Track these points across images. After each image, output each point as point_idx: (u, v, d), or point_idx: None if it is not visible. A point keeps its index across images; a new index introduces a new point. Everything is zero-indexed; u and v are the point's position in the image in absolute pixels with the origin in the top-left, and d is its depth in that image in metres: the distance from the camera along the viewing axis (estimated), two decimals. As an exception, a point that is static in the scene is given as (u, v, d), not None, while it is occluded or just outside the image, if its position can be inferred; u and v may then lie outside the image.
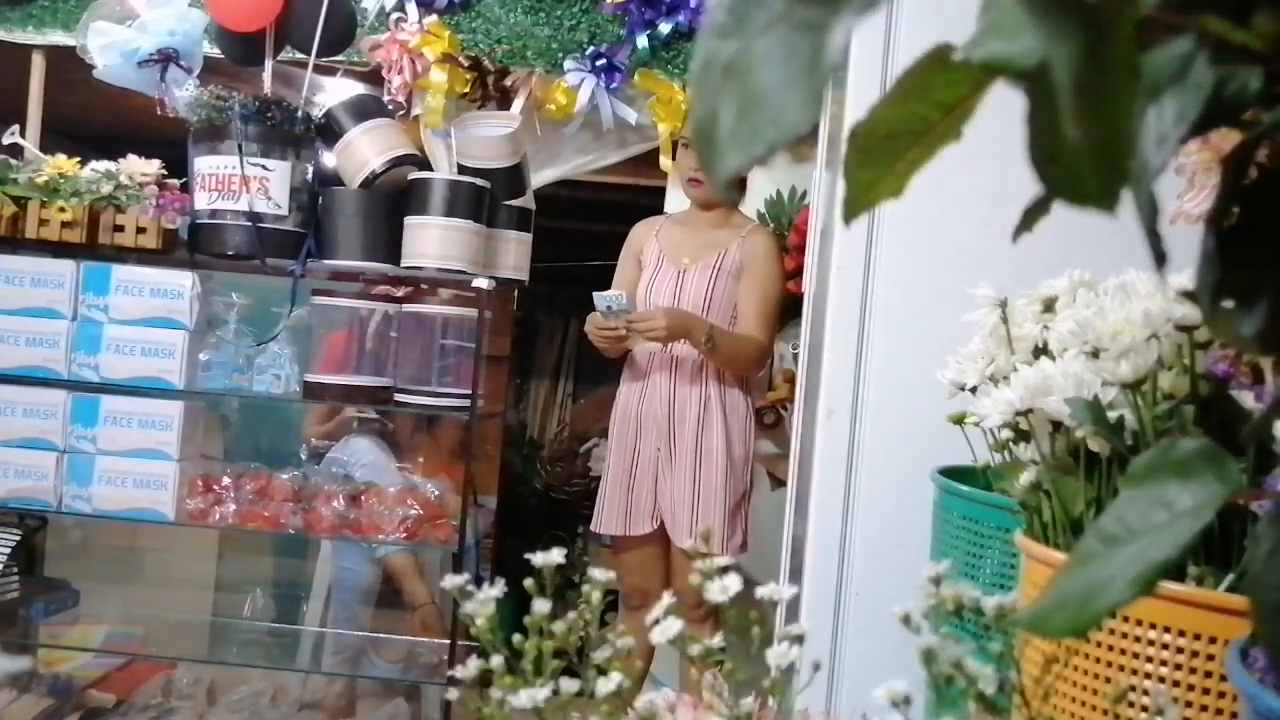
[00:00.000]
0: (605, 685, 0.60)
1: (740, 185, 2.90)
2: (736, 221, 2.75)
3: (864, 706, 0.58)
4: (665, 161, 3.06)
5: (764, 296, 2.65)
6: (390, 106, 2.73)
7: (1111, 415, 0.80)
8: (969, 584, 0.62)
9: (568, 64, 3.04)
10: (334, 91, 2.55)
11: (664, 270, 2.71)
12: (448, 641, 2.45)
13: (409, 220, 2.32)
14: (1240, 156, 0.39)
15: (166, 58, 2.41)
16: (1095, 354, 0.82)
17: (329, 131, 2.37)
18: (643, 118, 3.04)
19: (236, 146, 2.23)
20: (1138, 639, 0.70)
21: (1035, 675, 0.63)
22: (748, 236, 2.69)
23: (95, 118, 3.61)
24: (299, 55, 2.43)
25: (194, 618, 3.17)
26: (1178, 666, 0.69)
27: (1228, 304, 0.38)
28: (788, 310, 2.73)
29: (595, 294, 2.53)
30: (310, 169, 2.34)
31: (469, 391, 2.41)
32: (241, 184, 2.24)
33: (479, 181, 2.35)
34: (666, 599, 0.62)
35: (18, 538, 2.43)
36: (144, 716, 2.81)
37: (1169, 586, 0.69)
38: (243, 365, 2.40)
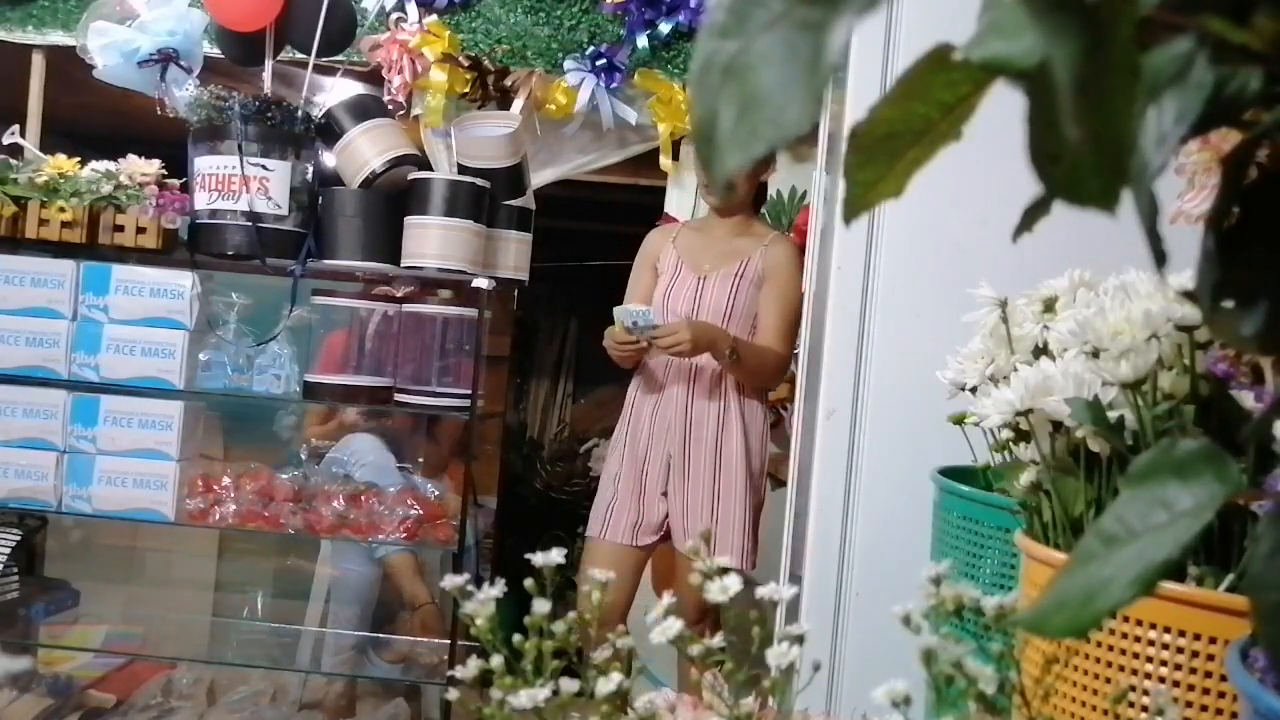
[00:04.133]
0: (605, 685, 0.60)
1: (761, 190, 2.87)
2: (758, 230, 2.68)
3: (864, 706, 0.58)
4: (665, 161, 3.06)
5: (786, 307, 2.55)
6: (390, 106, 2.73)
7: (1111, 415, 0.80)
8: (969, 584, 0.62)
9: (568, 64, 3.04)
10: (334, 91, 2.54)
11: (683, 276, 2.62)
12: (448, 641, 2.45)
13: (409, 220, 2.32)
14: (1240, 156, 0.39)
15: (166, 58, 2.41)
16: (1095, 354, 0.82)
17: (329, 131, 2.37)
18: (643, 118, 3.04)
19: (236, 146, 2.23)
20: (1138, 639, 0.70)
21: (1035, 675, 0.63)
22: (770, 246, 2.60)
23: (95, 118, 3.61)
24: (299, 55, 2.43)
25: (194, 618, 3.17)
26: (1178, 666, 0.69)
27: (1228, 304, 0.38)
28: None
29: (617, 309, 2.44)
30: (310, 169, 2.33)
31: (469, 391, 2.41)
32: (241, 184, 2.24)
33: (479, 181, 2.35)
34: (667, 599, 0.62)
35: (18, 538, 2.43)
36: (144, 716, 2.81)
37: (1169, 586, 0.69)
38: (243, 365, 2.40)
